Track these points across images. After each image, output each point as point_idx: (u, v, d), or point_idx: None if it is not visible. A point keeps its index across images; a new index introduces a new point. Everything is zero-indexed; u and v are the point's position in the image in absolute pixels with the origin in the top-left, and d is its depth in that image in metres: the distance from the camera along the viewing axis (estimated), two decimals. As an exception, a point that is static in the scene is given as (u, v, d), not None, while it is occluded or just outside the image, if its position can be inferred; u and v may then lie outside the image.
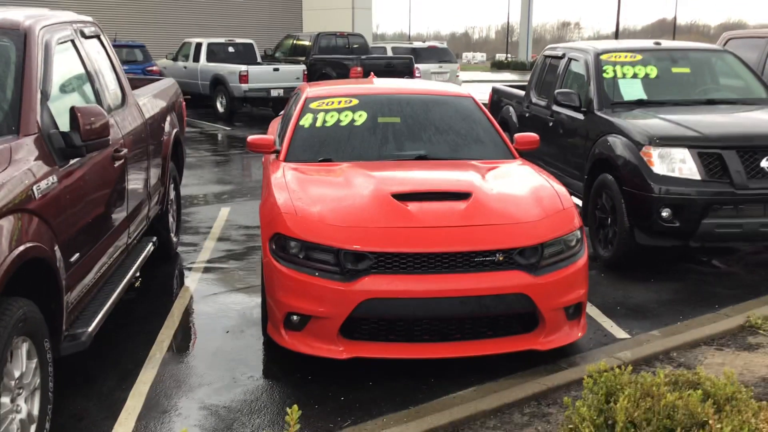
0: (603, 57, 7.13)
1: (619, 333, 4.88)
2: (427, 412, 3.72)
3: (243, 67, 17.30)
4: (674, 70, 7.18)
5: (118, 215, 4.54)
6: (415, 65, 18.78)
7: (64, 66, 4.30)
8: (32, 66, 3.73)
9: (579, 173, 6.87)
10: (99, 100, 4.60)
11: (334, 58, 18.68)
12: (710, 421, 2.53)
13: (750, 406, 2.69)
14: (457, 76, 22.82)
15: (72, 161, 3.72)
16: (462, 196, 4.40)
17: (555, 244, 4.25)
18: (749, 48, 9.08)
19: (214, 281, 5.91)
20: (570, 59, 7.73)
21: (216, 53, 18.96)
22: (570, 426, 2.82)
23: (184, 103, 7.43)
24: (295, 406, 2.20)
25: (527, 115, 8.51)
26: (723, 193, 5.57)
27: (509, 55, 67.03)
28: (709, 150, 5.67)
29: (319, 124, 5.47)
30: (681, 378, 2.90)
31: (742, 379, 4.10)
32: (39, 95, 3.66)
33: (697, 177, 5.63)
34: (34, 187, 3.24)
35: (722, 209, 5.60)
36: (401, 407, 3.82)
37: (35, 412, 3.18)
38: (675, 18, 63.88)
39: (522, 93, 9.00)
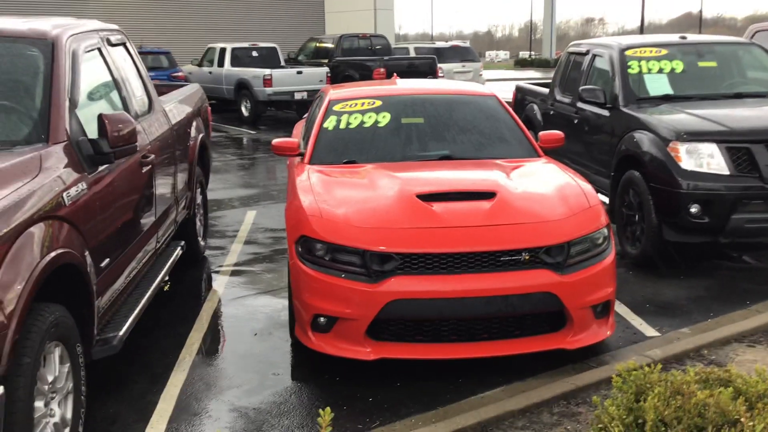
0: (628, 52, 7.07)
1: (649, 331, 4.83)
2: (455, 413, 3.72)
3: (267, 71, 17.42)
4: (700, 64, 7.10)
5: (147, 220, 4.60)
6: (438, 65, 18.76)
7: (92, 74, 4.36)
8: (60, 74, 3.79)
9: (605, 170, 6.82)
10: (126, 107, 4.66)
11: (356, 59, 18.72)
12: (742, 419, 2.50)
13: (783, 403, 2.65)
14: (481, 75, 22.76)
15: (101, 168, 3.77)
16: (487, 195, 4.39)
17: (582, 242, 4.23)
18: (777, 40, 8.95)
19: (241, 284, 5.95)
20: (594, 55, 7.67)
21: (240, 58, 19.10)
22: (599, 425, 2.80)
23: (209, 108, 7.50)
24: (328, 409, 2.21)
25: (552, 112, 8.47)
26: (752, 188, 5.50)
27: (533, 53, 66.71)
28: (737, 144, 5.60)
29: (342, 126, 5.49)
30: (711, 376, 2.87)
31: (775, 376, 4.03)
32: (67, 103, 3.72)
33: (726, 172, 5.56)
34: (64, 194, 3.29)
35: (752, 204, 5.53)
36: (429, 408, 3.82)
37: (68, 415, 3.23)
38: (701, 11, 63.11)
39: (546, 91, 8.94)
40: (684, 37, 7.55)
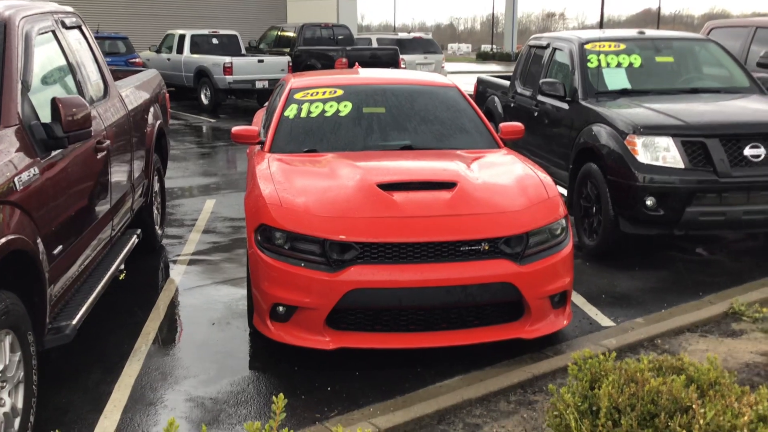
0: (587, 46, 7.14)
1: (604, 321, 4.91)
2: (413, 401, 3.73)
3: (227, 59, 17.22)
4: (658, 59, 7.21)
5: (102, 207, 4.51)
6: (401, 56, 18.75)
7: (45, 57, 4.25)
8: (12, 56, 3.69)
9: (564, 162, 6.89)
10: (81, 91, 4.56)
11: (319, 49, 18.61)
12: (694, 406, 2.55)
13: (733, 390, 2.71)
14: (443, 66, 22.83)
15: (54, 153, 3.68)
16: (447, 185, 4.40)
17: (540, 233, 4.26)
18: (732, 37, 9.14)
19: (199, 273, 5.88)
20: (554, 49, 7.74)
21: (200, 45, 18.86)
22: (555, 413, 2.83)
23: (167, 94, 7.38)
24: (281, 395, 2.19)
25: (512, 105, 8.52)
26: (706, 182, 5.60)
27: (494, 46, 67.00)
28: (692, 138, 5.70)
29: (303, 114, 5.45)
30: (665, 364, 2.92)
31: (726, 365, 4.13)
32: (19, 86, 3.62)
33: (681, 165, 5.66)
34: (15, 179, 3.21)
35: (706, 197, 5.63)
36: (388, 396, 3.83)
37: (19, 405, 3.16)
38: (659, 8, 63.98)
39: (507, 83, 9.00)
40: (642, 33, 7.66)
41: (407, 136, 5.38)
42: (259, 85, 17.27)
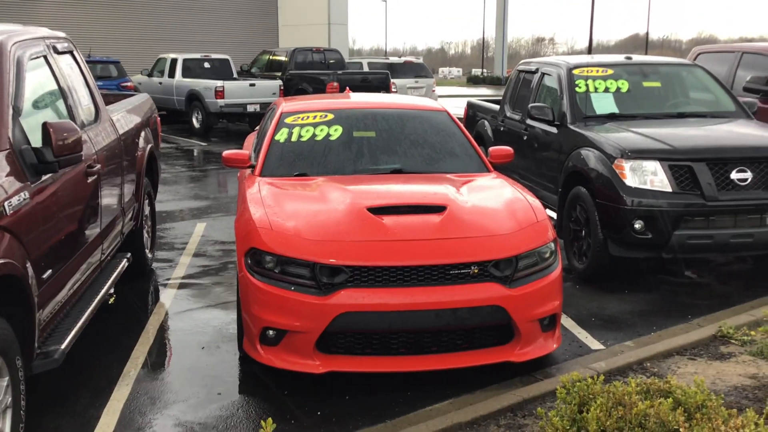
0: (575, 71, 7.22)
1: (594, 344, 4.92)
2: (403, 426, 3.72)
3: (219, 83, 17.31)
4: (645, 84, 7.29)
5: (92, 231, 4.51)
6: (392, 80, 18.88)
7: (37, 81, 4.27)
8: (4, 81, 3.71)
9: (553, 186, 6.94)
10: (72, 115, 4.58)
11: (310, 73, 18.72)
12: (681, 429, 2.56)
13: (720, 413, 2.72)
14: (433, 90, 22.99)
15: (44, 177, 3.69)
16: (437, 209, 4.43)
17: (529, 256, 4.29)
18: (719, 62, 9.27)
19: (189, 297, 5.87)
20: (543, 74, 7.82)
21: (191, 69, 18.94)
22: (544, 436, 2.84)
23: (159, 118, 7.40)
24: (270, 419, 2.19)
25: (502, 129, 8.59)
26: (694, 205, 5.65)
27: (485, 70, 67.54)
28: (679, 162, 5.76)
29: (294, 138, 5.48)
30: (652, 387, 2.94)
31: (715, 388, 4.14)
32: (10, 111, 3.64)
33: (669, 189, 5.70)
34: (6, 204, 3.21)
35: (693, 221, 5.68)
36: (378, 421, 3.82)
37: (7, 430, 3.13)
38: (647, 33, 64.82)
39: (497, 108, 9.08)
40: (630, 58, 7.75)
41: (397, 160, 5.41)
42: (250, 108, 17.34)
